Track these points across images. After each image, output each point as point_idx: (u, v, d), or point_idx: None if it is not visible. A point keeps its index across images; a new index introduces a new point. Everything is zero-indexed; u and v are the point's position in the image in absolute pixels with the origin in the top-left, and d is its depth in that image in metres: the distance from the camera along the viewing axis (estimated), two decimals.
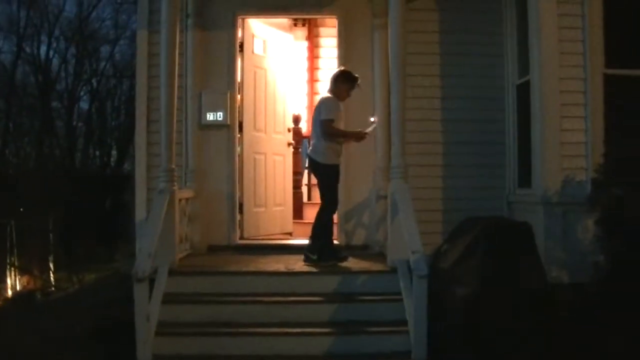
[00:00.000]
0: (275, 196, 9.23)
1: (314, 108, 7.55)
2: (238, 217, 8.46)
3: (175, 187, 6.91)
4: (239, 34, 8.56)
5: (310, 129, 8.40)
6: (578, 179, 7.09)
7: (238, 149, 8.51)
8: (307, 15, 9.55)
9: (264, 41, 9.13)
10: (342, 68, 7.55)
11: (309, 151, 7.35)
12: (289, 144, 9.63)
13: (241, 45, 8.61)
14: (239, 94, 8.55)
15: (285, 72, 9.59)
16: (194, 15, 8.21)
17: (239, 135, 8.53)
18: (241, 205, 8.54)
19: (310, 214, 9.03)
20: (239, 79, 8.55)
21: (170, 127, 6.94)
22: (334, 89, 7.25)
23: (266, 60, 9.16)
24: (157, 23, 7.76)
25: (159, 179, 6.89)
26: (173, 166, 6.94)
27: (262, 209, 8.94)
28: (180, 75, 7.53)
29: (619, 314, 5.83)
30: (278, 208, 9.30)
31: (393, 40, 6.70)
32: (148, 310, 5.71)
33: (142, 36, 8.41)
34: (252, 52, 8.87)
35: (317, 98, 9.68)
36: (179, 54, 7.19)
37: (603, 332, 5.81)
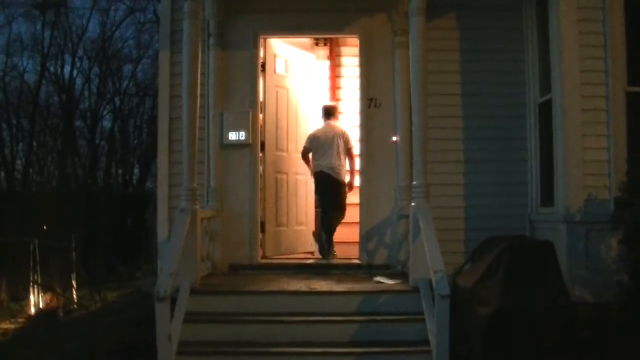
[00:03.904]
0: (297, 215, 9.27)
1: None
2: (260, 236, 8.44)
3: (197, 207, 6.91)
4: (261, 54, 8.60)
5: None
6: (601, 198, 7.02)
7: (260, 168, 8.52)
8: (328, 35, 9.54)
9: (286, 61, 9.19)
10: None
11: (329, 170, 8.44)
12: None
13: (263, 65, 8.66)
14: (261, 113, 8.58)
15: (307, 91, 9.63)
16: (216, 35, 8.25)
17: (261, 155, 8.55)
18: (263, 225, 8.54)
19: None
20: (261, 98, 8.58)
21: (192, 147, 6.97)
22: (334, 118, 8.94)
23: (288, 80, 9.22)
24: (179, 43, 7.83)
25: (181, 198, 6.92)
26: (195, 185, 6.97)
27: (284, 229, 8.96)
28: (202, 95, 7.56)
29: None
30: (300, 227, 9.33)
31: (414, 59, 6.69)
32: (170, 330, 5.69)
33: (164, 57, 8.45)
34: (275, 71, 8.94)
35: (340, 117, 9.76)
36: (201, 74, 7.26)
37: (626, 352, 5.75)
